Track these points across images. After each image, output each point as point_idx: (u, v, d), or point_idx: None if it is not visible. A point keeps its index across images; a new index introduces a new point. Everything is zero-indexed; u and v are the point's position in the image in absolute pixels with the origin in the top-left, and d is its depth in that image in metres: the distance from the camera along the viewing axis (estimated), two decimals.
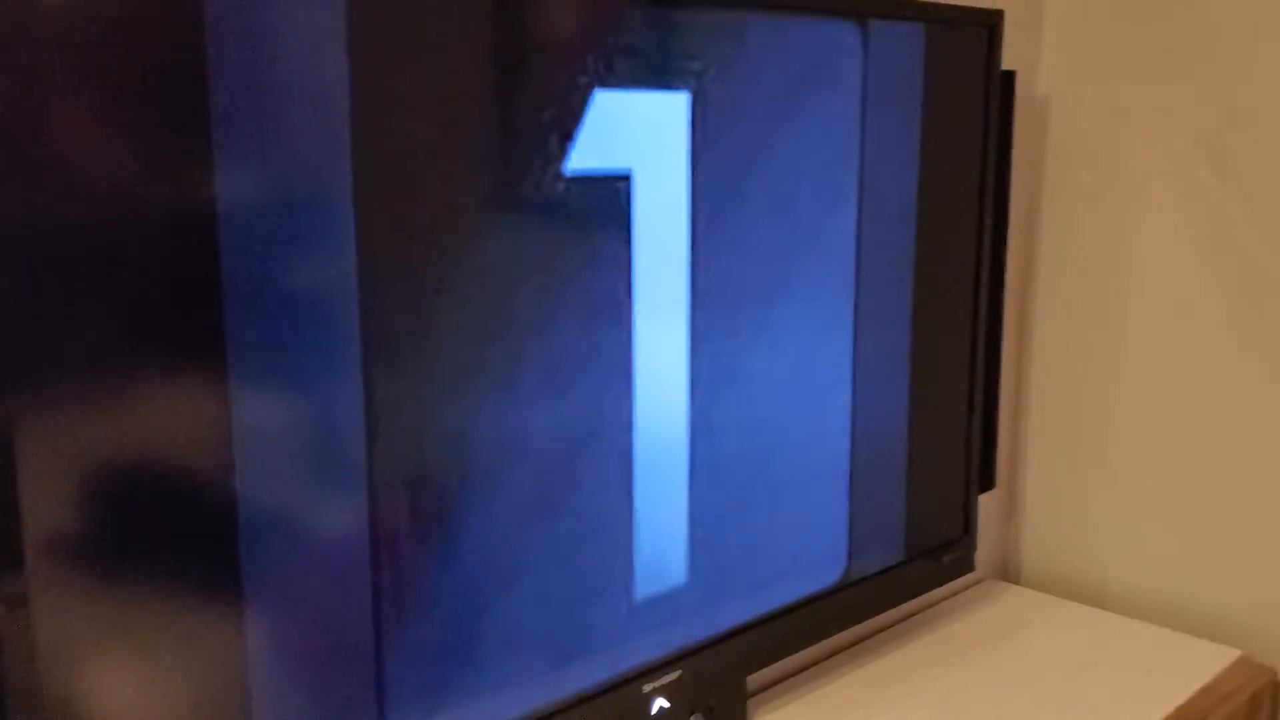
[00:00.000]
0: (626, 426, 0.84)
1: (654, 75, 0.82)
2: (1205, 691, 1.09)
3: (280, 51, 0.62)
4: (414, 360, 0.71)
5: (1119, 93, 1.24)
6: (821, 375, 1.00)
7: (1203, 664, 1.15)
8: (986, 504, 1.30)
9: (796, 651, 1.05)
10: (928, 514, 1.15)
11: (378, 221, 0.67)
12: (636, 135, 0.82)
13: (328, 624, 0.69)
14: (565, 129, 0.77)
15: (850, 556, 1.06)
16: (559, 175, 0.77)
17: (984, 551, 1.34)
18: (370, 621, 0.71)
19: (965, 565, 1.21)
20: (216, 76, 0.59)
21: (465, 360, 0.73)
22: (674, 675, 0.91)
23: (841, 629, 1.08)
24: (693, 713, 0.93)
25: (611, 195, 0.80)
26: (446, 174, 0.72)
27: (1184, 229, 1.20)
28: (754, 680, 1.04)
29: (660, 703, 0.90)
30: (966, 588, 1.33)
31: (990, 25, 1.11)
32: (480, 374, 0.74)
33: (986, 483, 1.23)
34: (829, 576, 1.04)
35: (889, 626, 1.23)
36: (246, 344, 0.62)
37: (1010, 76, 1.16)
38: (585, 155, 0.78)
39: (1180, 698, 1.07)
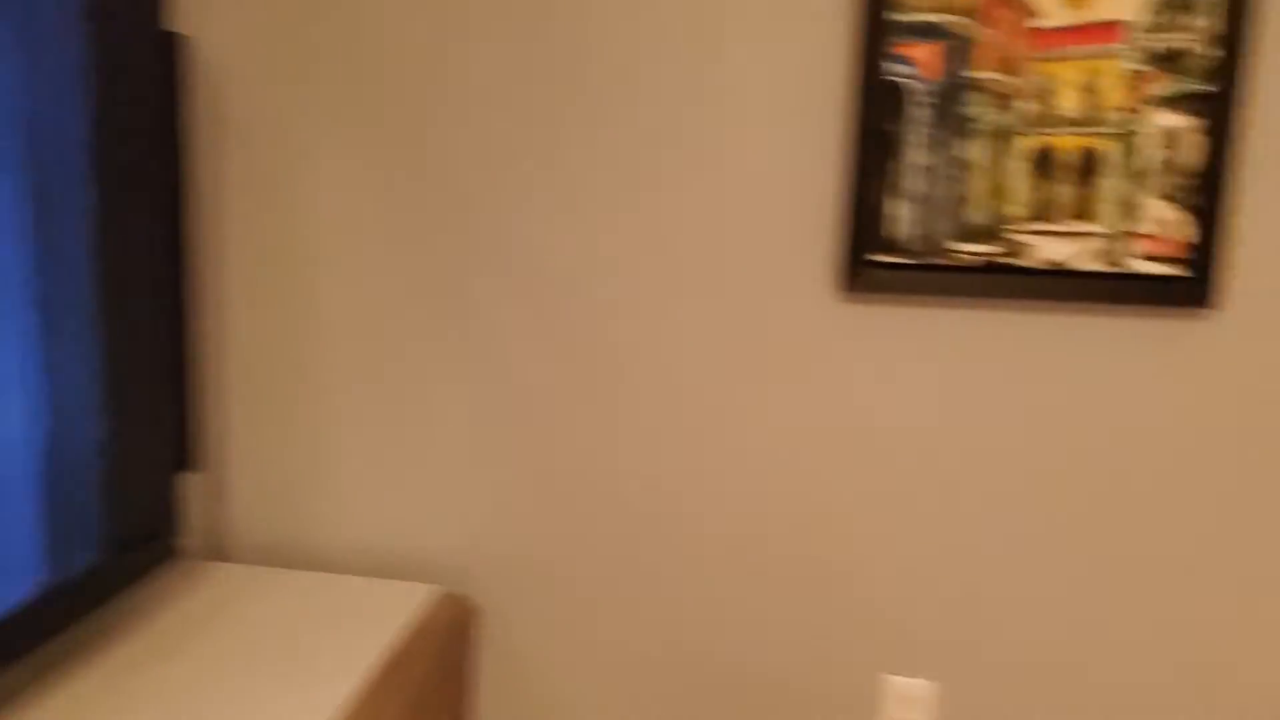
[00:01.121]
0: None
1: None
2: (417, 626, 1.18)
3: None
4: None
5: (292, 68, 1.26)
6: (4, 372, 0.87)
7: (410, 602, 1.24)
8: (191, 486, 1.25)
9: None
10: (130, 505, 1.07)
11: None
12: None
13: None
14: None
15: (47, 563, 0.94)
16: None
17: (191, 533, 1.29)
18: None
19: (173, 552, 1.15)
20: None
21: None
22: None
23: (46, 642, 0.96)
24: None
25: None
26: None
27: (360, 204, 1.27)
28: None
29: None
30: (174, 572, 1.27)
31: None
32: None
33: (190, 464, 1.18)
34: (22, 589, 0.92)
35: (97, 623, 1.12)
36: None
37: (174, 38, 1.11)
38: None
39: (389, 636, 1.15)
